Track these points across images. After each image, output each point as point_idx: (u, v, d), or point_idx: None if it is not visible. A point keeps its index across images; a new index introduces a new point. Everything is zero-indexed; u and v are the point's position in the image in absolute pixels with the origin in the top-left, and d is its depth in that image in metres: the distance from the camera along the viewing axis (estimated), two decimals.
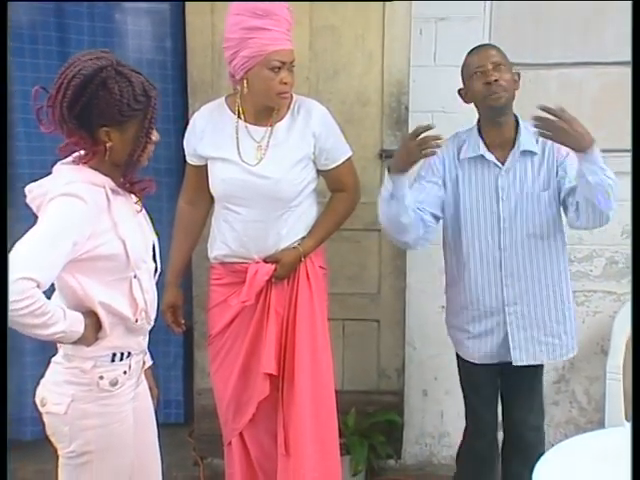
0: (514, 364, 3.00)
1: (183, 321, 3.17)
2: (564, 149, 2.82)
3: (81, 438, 2.25)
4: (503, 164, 2.90)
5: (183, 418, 4.30)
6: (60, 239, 2.07)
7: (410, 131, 3.59)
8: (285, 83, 2.85)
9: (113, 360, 2.29)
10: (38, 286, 1.99)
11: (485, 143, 2.92)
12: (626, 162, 3.57)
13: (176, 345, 4.18)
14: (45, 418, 2.31)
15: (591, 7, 3.64)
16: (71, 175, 2.19)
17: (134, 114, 2.18)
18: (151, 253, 2.39)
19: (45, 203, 2.12)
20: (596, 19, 3.65)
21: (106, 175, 2.23)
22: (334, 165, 3.05)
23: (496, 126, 2.90)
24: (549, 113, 2.56)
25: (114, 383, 2.28)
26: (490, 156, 2.91)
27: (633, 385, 2.19)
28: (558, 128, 2.58)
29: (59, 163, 2.28)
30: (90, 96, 2.12)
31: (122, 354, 2.31)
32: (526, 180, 2.90)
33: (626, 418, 3.37)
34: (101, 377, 2.26)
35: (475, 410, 3.17)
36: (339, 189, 3.12)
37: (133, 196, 2.35)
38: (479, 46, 2.97)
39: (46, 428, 2.33)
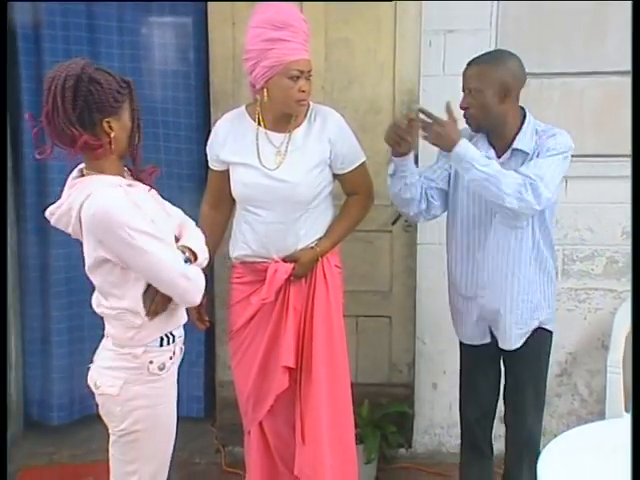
0: (499, 345, 3.04)
1: (207, 318, 3.18)
2: (546, 147, 2.83)
3: (131, 418, 2.35)
4: (499, 158, 2.88)
5: (204, 412, 4.29)
6: (156, 232, 2.26)
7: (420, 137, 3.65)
8: (303, 91, 2.87)
9: (161, 345, 2.38)
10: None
11: (488, 139, 2.91)
12: (626, 166, 3.59)
13: (198, 343, 4.17)
14: (99, 399, 2.40)
15: (592, 20, 3.64)
16: (89, 186, 2.24)
17: (123, 99, 2.27)
18: (175, 234, 2.46)
19: (102, 230, 2.20)
20: (597, 31, 3.64)
21: (114, 175, 2.29)
22: (349, 169, 3.05)
23: (491, 132, 2.90)
24: (426, 115, 2.76)
25: (162, 367, 2.38)
26: (488, 152, 2.88)
27: (633, 378, 2.19)
28: (432, 131, 2.75)
29: (70, 179, 2.33)
30: (85, 93, 2.18)
31: (168, 338, 2.39)
32: None
33: (626, 410, 3.36)
34: (151, 362, 2.36)
35: (467, 384, 3.20)
36: (354, 192, 3.12)
37: (144, 186, 2.40)
38: (469, 62, 2.89)
39: (99, 408, 2.42)
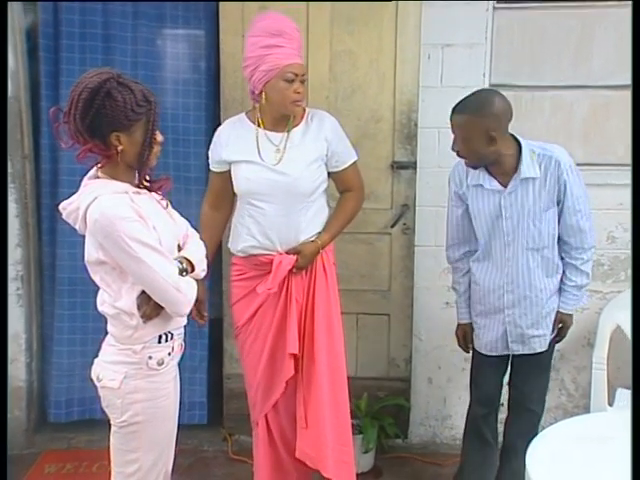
0: (511, 352, 3.11)
1: (205, 313, 3.17)
2: (564, 175, 2.91)
3: (131, 410, 2.37)
4: (506, 187, 2.93)
5: (206, 419, 4.15)
6: (154, 243, 2.28)
7: (419, 145, 3.70)
8: (298, 92, 2.96)
9: (159, 342, 2.40)
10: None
11: (488, 171, 2.96)
12: (612, 174, 3.68)
13: (201, 349, 4.10)
14: (101, 392, 2.42)
15: (580, 38, 3.70)
16: (97, 189, 2.27)
17: (138, 118, 2.26)
18: (179, 243, 2.48)
19: (103, 235, 2.23)
20: (585, 48, 3.71)
21: (124, 181, 2.32)
22: (343, 167, 3.14)
23: (489, 166, 2.95)
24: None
25: (161, 363, 2.39)
26: (491, 184, 2.95)
27: (633, 374, 2.23)
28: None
29: (85, 178, 2.37)
30: (98, 106, 2.20)
31: (167, 336, 2.41)
32: (527, 201, 2.93)
33: (609, 404, 3.41)
34: (150, 357, 2.37)
35: (477, 386, 3.25)
36: (348, 189, 3.21)
37: (155, 195, 2.43)
38: (454, 108, 2.91)
39: (102, 400, 2.43)
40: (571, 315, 3.11)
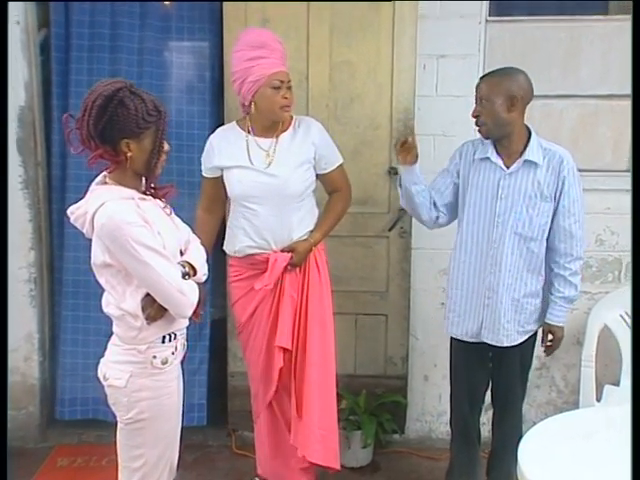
0: (481, 339, 3.10)
1: (202, 312, 3.17)
2: (565, 172, 2.95)
3: (137, 408, 2.41)
4: (509, 168, 2.97)
5: (205, 421, 4.10)
6: (159, 247, 2.30)
7: (417, 153, 3.73)
8: (286, 98, 3.05)
9: (163, 342, 2.43)
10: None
11: (496, 149, 3.00)
12: (599, 180, 3.72)
13: (201, 351, 4.08)
14: (107, 390, 2.46)
15: (568, 50, 3.77)
16: (104, 195, 2.31)
17: (148, 126, 2.29)
18: (181, 248, 2.51)
19: (110, 239, 2.25)
20: (573, 59, 3.78)
21: (131, 187, 2.35)
22: (331, 169, 3.24)
23: (499, 141, 2.99)
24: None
25: (165, 362, 2.43)
26: (496, 159, 2.99)
27: (633, 372, 2.25)
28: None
29: (93, 184, 2.40)
30: (111, 113, 2.24)
31: (170, 336, 2.44)
32: (526, 184, 2.96)
33: (597, 400, 3.43)
34: (154, 357, 2.41)
35: (461, 379, 3.23)
36: (336, 190, 3.30)
37: (159, 201, 2.46)
38: (481, 77, 3.04)
39: (108, 398, 2.47)
40: (561, 327, 3.09)
